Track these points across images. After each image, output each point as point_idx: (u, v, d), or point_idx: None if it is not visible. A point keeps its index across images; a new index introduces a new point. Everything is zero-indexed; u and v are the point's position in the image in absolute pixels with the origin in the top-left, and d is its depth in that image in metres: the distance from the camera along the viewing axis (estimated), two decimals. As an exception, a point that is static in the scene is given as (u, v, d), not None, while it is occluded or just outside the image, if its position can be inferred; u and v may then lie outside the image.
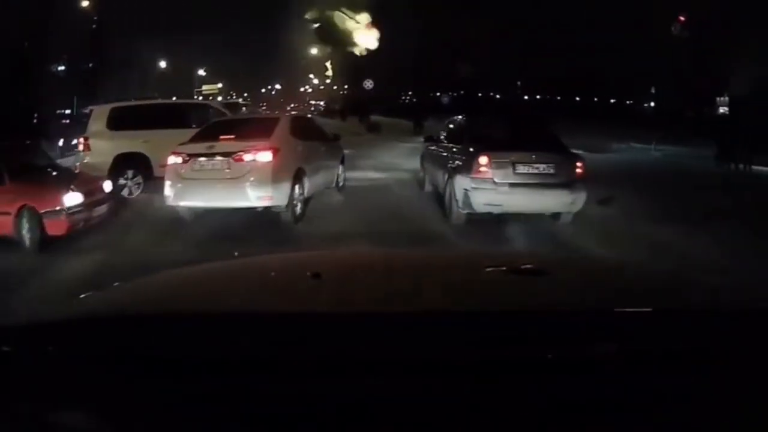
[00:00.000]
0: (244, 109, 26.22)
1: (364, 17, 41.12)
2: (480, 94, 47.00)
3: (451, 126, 10.47)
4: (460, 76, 32.20)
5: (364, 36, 41.48)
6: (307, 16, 43.62)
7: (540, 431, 0.97)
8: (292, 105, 76.32)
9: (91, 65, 45.11)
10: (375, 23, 40.29)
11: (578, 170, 8.13)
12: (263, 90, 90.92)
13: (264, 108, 57.15)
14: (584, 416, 0.99)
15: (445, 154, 9.47)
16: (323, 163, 10.07)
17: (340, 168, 11.36)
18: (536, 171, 8.01)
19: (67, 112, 43.26)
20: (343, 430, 0.97)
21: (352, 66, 41.91)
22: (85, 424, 1.04)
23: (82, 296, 1.58)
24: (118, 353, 1.14)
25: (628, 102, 45.84)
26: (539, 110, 35.68)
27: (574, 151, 8.65)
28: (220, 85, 68.09)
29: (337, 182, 11.11)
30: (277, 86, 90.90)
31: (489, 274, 1.61)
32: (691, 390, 1.05)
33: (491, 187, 7.89)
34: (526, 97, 50.76)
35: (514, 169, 7.98)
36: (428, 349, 1.09)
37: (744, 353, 1.14)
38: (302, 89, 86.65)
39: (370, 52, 40.42)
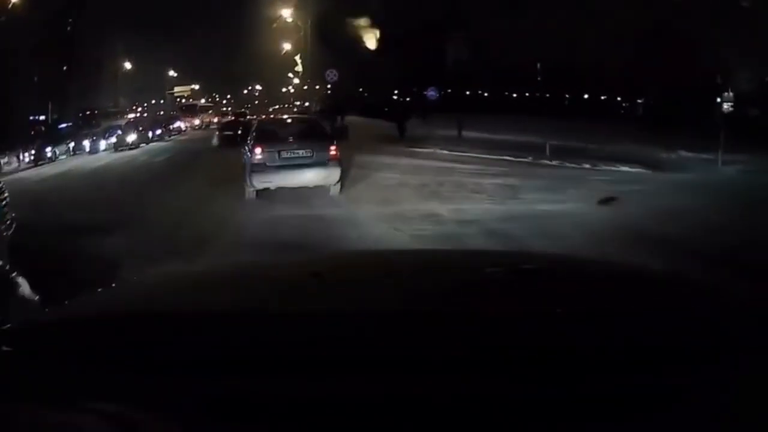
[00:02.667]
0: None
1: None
2: (468, 92, 38.88)
3: (252, 129, 13.48)
4: (450, 60, 26.23)
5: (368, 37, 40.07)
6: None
7: (540, 430, 0.98)
8: (277, 107, 75.62)
9: (65, 68, 43.69)
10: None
11: (332, 153, 11.28)
12: (245, 91, 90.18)
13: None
14: (584, 416, 1.00)
15: (244, 149, 12.46)
16: None
17: None
18: (296, 155, 11.14)
19: (41, 118, 42.09)
20: (343, 429, 0.98)
21: (322, 60, 38.81)
22: (86, 424, 1.00)
23: (82, 296, 1.64)
24: (118, 353, 1.15)
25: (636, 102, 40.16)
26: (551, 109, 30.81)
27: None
28: (195, 87, 66.61)
29: None
30: (258, 87, 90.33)
31: (489, 274, 1.62)
32: (691, 390, 1.06)
33: (263, 170, 10.99)
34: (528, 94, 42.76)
35: (279, 155, 11.09)
36: (428, 349, 1.11)
37: (744, 353, 1.15)
38: (284, 89, 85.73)
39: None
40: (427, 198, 11.39)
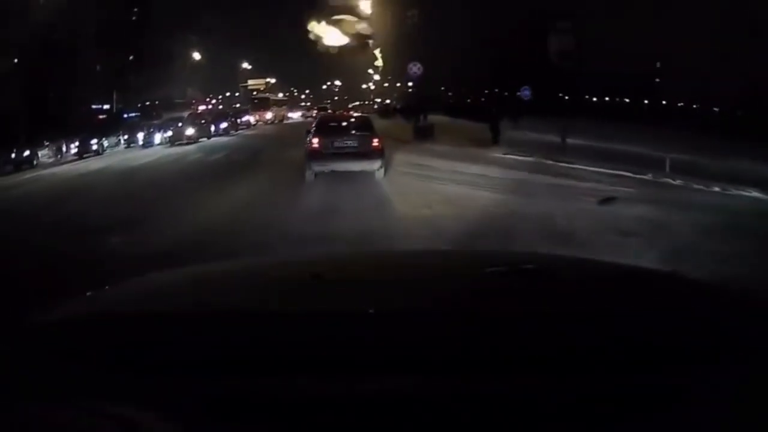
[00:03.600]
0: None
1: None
2: (563, 94, 30.84)
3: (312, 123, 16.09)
4: (554, 51, 21.31)
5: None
6: None
7: (540, 430, 0.98)
8: (357, 103, 74.25)
9: (131, 58, 41.86)
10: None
11: (375, 144, 13.05)
12: (324, 87, 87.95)
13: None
14: (584, 416, 1.00)
15: (307, 139, 13.98)
16: None
17: None
18: (345, 145, 13.09)
19: (106, 107, 40.47)
20: (343, 429, 0.98)
21: (405, 54, 35.39)
22: (87, 424, 1.01)
23: (82, 296, 1.59)
24: (118, 353, 1.15)
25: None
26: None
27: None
28: (270, 80, 63.79)
29: None
30: (337, 82, 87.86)
31: (489, 274, 1.60)
32: (690, 390, 1.06)
33: (319, 157, 12.93)
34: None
35: (332, 144, 13.01)
36: (428, 349, 1.11)
37: (744, 353, 1.15)
38: (364, 86, 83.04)
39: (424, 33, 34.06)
40: (558, 248, 6.53)
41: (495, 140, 20.86)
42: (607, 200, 8.94)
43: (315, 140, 13.04)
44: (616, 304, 1.40)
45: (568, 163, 15.92)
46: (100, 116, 37.98)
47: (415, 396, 1.01)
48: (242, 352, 1.12)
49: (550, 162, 16.25)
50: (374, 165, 12.78)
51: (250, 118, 44.01)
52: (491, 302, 1.38)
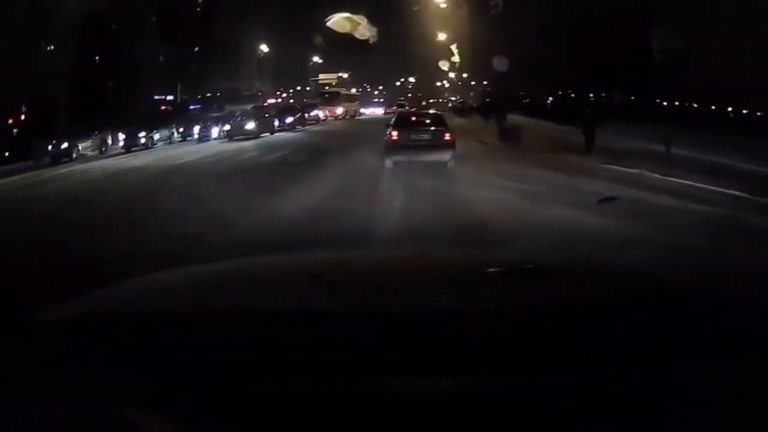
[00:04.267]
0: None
1: None
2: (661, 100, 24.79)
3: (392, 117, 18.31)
4: (656, 49, 18.03)
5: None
6: None
7: (540, 430, 0.99)
8: (432, 100, 72.57)
9: (197, 49, 40.73)
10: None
11: (446, 138, 14.35)
12: (398, 83, 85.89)
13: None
14: (584, 416, 1.01)
15: (387, 132, 15.67)
16: None
17: None
18: (420, 138, 14.42)
19: (169, 98, 39.44)
20: (343, 429, 0.98)
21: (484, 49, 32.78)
22: (87, 423, 1.03)
23: (82, 296, 1.59)
24: (118, 353, 1.16)
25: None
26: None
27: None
28: (343, 75, 61.63)
29: None
30: (411, 79, 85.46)
31: (489, 274, 1.62)
32: (690, 390, 1.07)
33: (397, 147, 14.30)
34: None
35: (409, 137, 14.37)
36: (428, 349, 1.11)
37: (744, 353, 1.16)
38: (438, 83, 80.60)
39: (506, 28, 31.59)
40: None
41: (588, 147, 18.12)
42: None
43: (394, 133, 14.56)
44: (616, 304, 1.40)
45: (676, 177, 13.20)
46: (163, 107, 36.91)
47: (415, 396, 1.02)
48: (242, 352, 1.11)
49: (657, 176, 13.76)
50: (445, 157, 14.09)
51: (320, 113, 41.64)
52: (491, 302, 1.39)
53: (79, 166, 19.98)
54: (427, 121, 15.79)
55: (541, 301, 1.37)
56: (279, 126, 31.09)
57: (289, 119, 33.73)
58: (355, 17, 47.23)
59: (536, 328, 1.17)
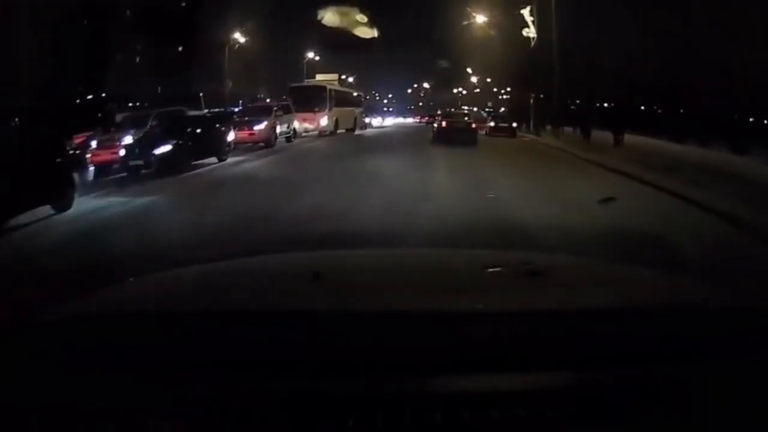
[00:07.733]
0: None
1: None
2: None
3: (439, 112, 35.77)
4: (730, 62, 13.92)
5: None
6: None
7: (540, 430, 0.99)
8: (449, 109, 66.89)
9: (181, 48, 36.70)
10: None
11: (473, 125, 25.71)
12: (409, 90, 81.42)
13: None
14: (583, 415, 1.01)
15: (434, 125, 29.05)
16: None
17: None
18: (455, 128, 24.39)
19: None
20: (343, 429, 0.98)
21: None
22: (87, 424, 1.03)
23: (82, 296, 1.58)
24: (119, 353, 1.15)
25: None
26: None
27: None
28: (345, 76, 53.25)
29: None
30: (425, 85, 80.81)
31: (489, 274, 1.64)
32: (688, 389, 1.07)
33: (441, 132, 24.64)
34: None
35: (446, 124, 25.38)
36: (428, 349, 1.11)
37: (742, 353, 1.16)
38: (455, 90, 76.01)
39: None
40: None
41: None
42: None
43: (443, 123, 25.54)
44: (614, 303, 1.39)
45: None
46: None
47: (415, 396, 1.02)
48: (242, 352, 1.11)
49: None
50: (473, 140, 23.38)
51: (281, 126, 24.93)
52: (491, 302, 1.38)
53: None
54: (461, 115, 28.90)
55: (540, 301, 1.37)
56: (147, 161, 14.32)
57: (166, 148, 14.52)
58: (347, 9, 43.63)
59: (535, 328, 1.17)
